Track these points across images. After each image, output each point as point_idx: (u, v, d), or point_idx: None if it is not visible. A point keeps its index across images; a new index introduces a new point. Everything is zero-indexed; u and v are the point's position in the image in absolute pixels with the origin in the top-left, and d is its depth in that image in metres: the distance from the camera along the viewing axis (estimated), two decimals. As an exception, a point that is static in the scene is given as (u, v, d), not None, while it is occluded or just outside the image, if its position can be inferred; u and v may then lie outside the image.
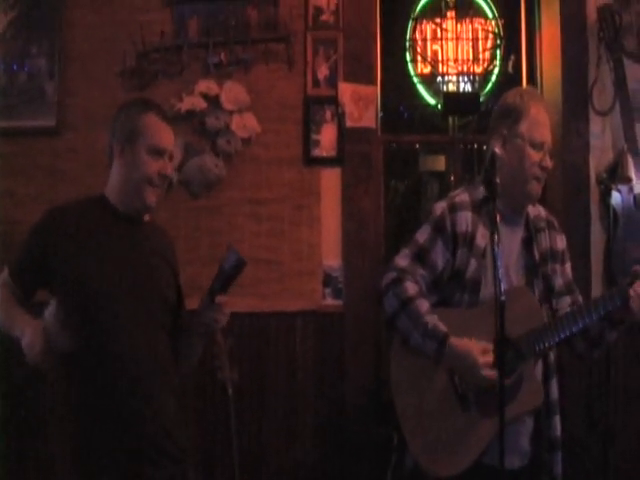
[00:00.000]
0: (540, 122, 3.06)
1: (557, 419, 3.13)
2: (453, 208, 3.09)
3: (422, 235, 3.10)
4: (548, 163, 3.05)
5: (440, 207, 3.12)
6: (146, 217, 2.98)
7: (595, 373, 4.25)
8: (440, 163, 5.02)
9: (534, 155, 3.02)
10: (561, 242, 3.23)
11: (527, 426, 3.07)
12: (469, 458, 2.94)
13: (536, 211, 3.20)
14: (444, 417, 2.99)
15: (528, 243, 3.13)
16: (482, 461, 2.91)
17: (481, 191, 3.08)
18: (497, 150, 2.87)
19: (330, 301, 4.35)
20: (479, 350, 2.91)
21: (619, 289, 2.95)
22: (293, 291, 4.35)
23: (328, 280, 4.36)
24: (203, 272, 4.06)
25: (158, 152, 2.82)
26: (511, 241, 3.09)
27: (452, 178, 4.70)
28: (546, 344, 2.95)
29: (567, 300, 3.15)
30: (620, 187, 4.26)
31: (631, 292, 2.89)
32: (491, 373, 2.85)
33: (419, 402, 3.03)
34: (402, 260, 3.09)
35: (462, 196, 3.14)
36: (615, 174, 4.32)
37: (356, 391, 4.29)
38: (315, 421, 4.33)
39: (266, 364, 4.33)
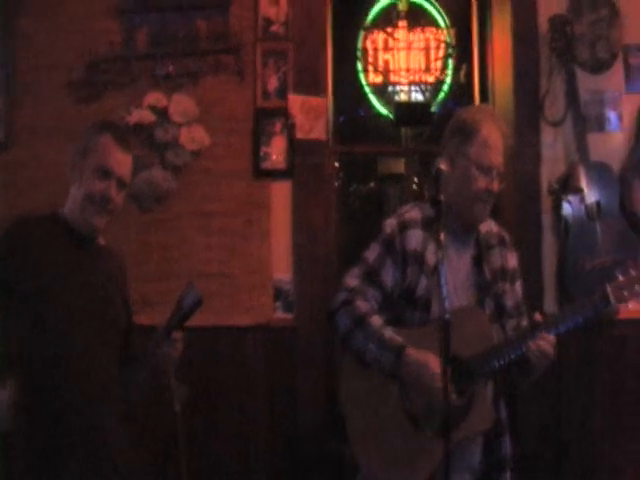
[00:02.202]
0: (490, 146, 3.14)
1: (506, 438, 3.27)
2: (403, 226, 3.20)
3: (372, 254, 3.21)
4: (494, 188, 3.13)
5: (390, 225, 3.23)
6: (100, 240, 3.14)
7: (547, 387, 4.40)
8: (399, 166, 5.30)
9: (480, 179, 3.12)
10: (512, 260, 3.35)
11: (478, 444, 3.19)
12: (421, 478, 3.05)
13: (487, 227, 3.32)
14: (395, 437, 3.10)
15: (478, 261, 3.25)
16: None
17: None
18: (443, 167, 2.87)
19: (281, 315, 4.57)
20: (436, 362, 2.97)
21: (522, 336, 3.09)
22: (243, 305, 4.56)
23: (279, 294, 4.57)
24: (153, 287, 4.43)
25: (105, 173, 2.95)
26: (460, 259, 3.22)
27: (414, 180, 4.99)
28: (496, 365, 3.06)
29: (512, 323, 3.27)
30: (571, 198, 4.48)
31: (531, 346, 3.03)
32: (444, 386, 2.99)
33: (370, 422, 3.15)
34: (352, 280, 3.20)
35: (412, 213, 3.25)
36: (567, 185, 4.53)
37: (308, 405, 4.50)
38: (267, 437, 4.52)
39: (216, 379, 4.52)
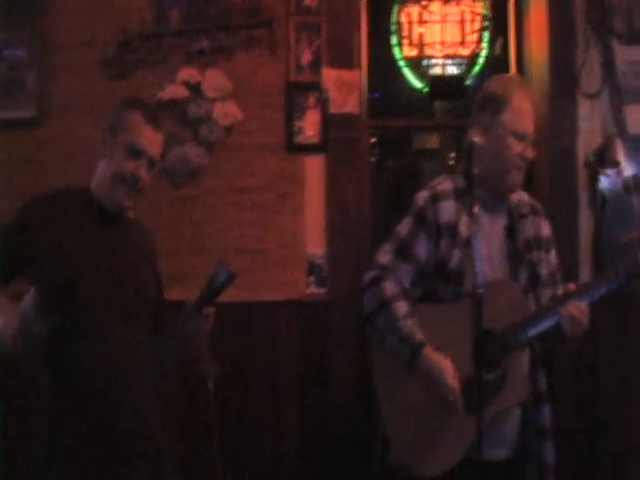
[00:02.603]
0: (523, 112, 3.21)
1: (546, 408, 3.29)
2: (435, 198, 3.25)
3: (404, 228, 3.27)
4: (530, 154, 3.21)
5: (422, 197, 3.28)
6: (129, 214, 3.16)
7: (583, 361, 4.46)
8: (434, 141, 5.33)
9: (516, 146, 3.18)
10: (545, 228, 3.40)
11: (514, 416, 3.22)
12: (455, 456, 3.07)
13: (518, 196, 3.37)
14: (428, 413, 3.14)
15: (511, 231, 3.29)
16: (468, 456, 3.02)
17: (463, 179, 3.28)
18: (476, 139, 3.06)
19: (314, 290, 4.63)
20: (452, 373, 3.05)
21: (551, 309, 3.15)
22: (277, 280, 4.62)
23: (312, 269, 4.63)
24: (185, 262, 4.50)
25: (136, 152, 2.98)
26: (494, 229, 3.26)
27: (450, 155, 5.03)
28: (529, 336, 3.11)
29: (547, 293, 3.31)
30: (608, 171, 4.47)
31: (563, 312, 3.08)
32: (458, 402, 3.04)
33: (402, 399, 3.19)
34: (383, 256, 3.26)
35: (444, 185, 3.30)
36: (603, 158, 4.52)
37: (341, 381, 4.55)
38: (299, 412, 4.59)
39: (249, 355, 4.60)
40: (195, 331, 3.09)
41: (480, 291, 2.68)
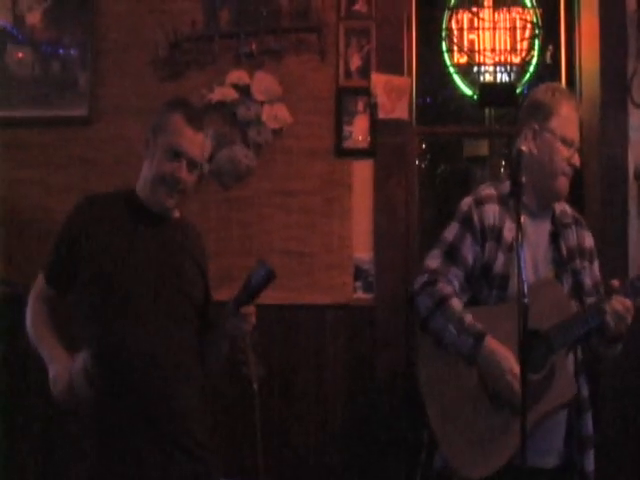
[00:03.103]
0: (571, 120, 3.35)
1: (588, 416, 3.36)
2: (480, 202, 3.36)
3: (450, 232, 3.36)
4: (577, 161, 3.34)
5: (466, 203, 3.39)
6: (175, 213, 3.24)
7: (630, 371, 4.46)
8: (485, 148, 5.36)
9: (564, 151, 3.30)
10: (589, 240, 3.49)
11: (561, 426, 3.29)
12: (502, 458, 3.12)
13: (561, 207, 3.46)
14: (475, 417, 3.20)
15: (555, 238, 3.38)
16: (513, 461, 3.06)
17: (507, 185, 3.37)
18: (524, 148, 3.09)
19: (361, 295, 4.70)
20: (515, 359, 3.07)
21: (595, 306, 3.21)
22: (323, 284, 4.72)
23: (359, 273, 4.70)
24: (234, 263, 4.58)
25: (175, 154, 3.04)
26: (538, 235, 3.35)
27: (501, 162, 5.08)
28: (575, 334, 3.18)
29: (591, 302, 3.33)
30: None
31: (607, 308, 3.14)
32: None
33: (449, 403, 3.24)
34: (433, 261, 3.34)
35: (488, 190, 3.42)
36: None
37: (387, 387, 4.60)
38: (344, 417, 4.66)
39: (295, 358, 4.68)
40: (234, 330, 3.09)
41: (526, 301, 2.67)
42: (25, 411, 4.66)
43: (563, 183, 3.34)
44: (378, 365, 4.66)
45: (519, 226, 2.83)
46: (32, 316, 3.14)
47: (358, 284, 4.71)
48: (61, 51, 4.82)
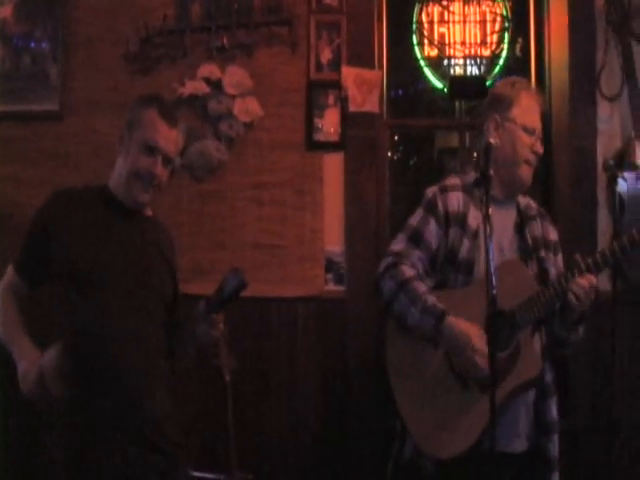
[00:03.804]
0: (532, 109, 3.48)
1: (553, 402, 3.47)
2: (444, 189, 3.51)
3: (415, 218, 3.50)
4: (539, 148, 3.45)
5: (431, 190, 3.53)
6: (148, 211, 3.31)
7: (600, 361, 4.52)
8: (456, 140, 5.38)
9: (527, 139, 3.42)
10: (554, 234, 3.61)
11: (528, 410, 3.40)
12: (470, 437, 3.24)
13: (525, 201, 3.60)
14: (443, 397, 3.32)
15: (521, 227, 3.51)
16: (482, 446, 3.18)
17: (472, 176, 3.51)
18: (492, 141, 3.07)
19: (332, 287, 4.82)
20: (477, 334, 3.20)
21: (559, 282, 3.29)
22: (295, 277, 4.83)
23: (330, 266, 4.82)
24: (206, 257, 4.72)
25: (151, 149, 3.10)
26: (504, 223, 3.46)
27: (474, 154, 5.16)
28: (539, 311, 3.27)
29: None
30: (627, 174, 4.51)
31: (571, 284, 3.25)
32: (483, 361, 3.14)
33: (416, 383, 3.38)
34: (396, 245, 3.48)
35: (453, 180, 3.57)
36: (622, 161, 4.61)
37: (358, 377, 4.70)
38: (317, 408, 4.78)
39: (267, 350, 4.79)
40: (203, 336, 3.19)
41: (494, 292, 2.77)
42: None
43: (527, 171, 3.46)
44: (349, 356, 4.76)
45: (487, 217, 2.88)
46: (2, 313, 3.22)
47: (329, 276, 4.83)
48: (32, 45, 4.90)
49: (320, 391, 4.80)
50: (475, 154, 3.67)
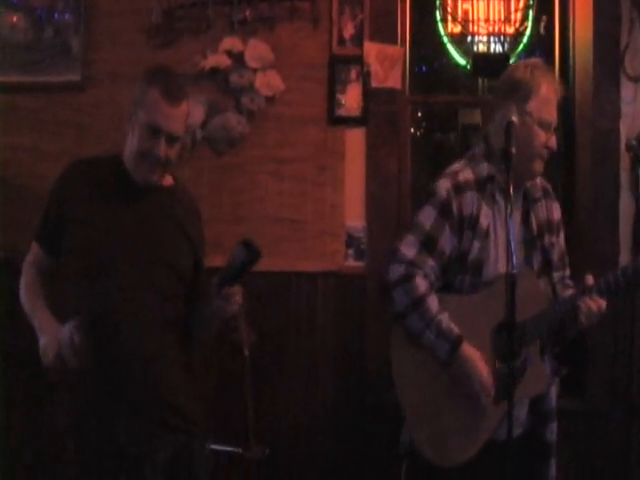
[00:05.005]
0: (549, 101, 3.41)
1: (553, 390, 3.56)
2: (458, 189, 3.40)
3: (427, 219, 3.40)
4: (554, 144, 3.42)
5: (444, 187, 3.42)
6: (167, 181, 3.36)
7: (619, 344, 4.66)
8: (479, 117, 5.56)
9: (542, 135, 3.38)
10: (556, 211, 3.64)
11: (525, 400, 3.45)
12: (477, 445, 3.33)
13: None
14: (448, 404, 3.38)
15: (526, 216, 3.52)
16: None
17: (484, 168, 3.45)
18: (514, 119, 3.14)
19: (352, 262, 4.94)
20: (486, 370, 3.30)
21: (570, 298, 3.36)
22: (315, 251, 4.96)
23: (350, 241, 4.94)
24: (226, 230, 4.83)
25: (153, 130, 3.12)
26: (512, 217, 3.26)
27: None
28: (547, 327, 3.36)
29: (558, 275, 3.58)
30: None
31: (581, 306, 3.30)
32: (489, 400, 3.28)
33: (422, 392, 3.42)
34: (409, 250, 3.37)
35: (465, 173, 3.45)
36: None
37: (377, 353, 4.77)
38: (335, 383, 4.92)
39: (286, 324, 4.94)
40: (219, 311, 3.19)
41: (514, 271, 2.85)
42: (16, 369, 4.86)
43: (539, 166, 3.44)
44: (368, 332, 4.88)
45: (509, 200, 2.99)
46: (25, 286, 3.31)
47: (350, 252, 4.95)
48: (55, 16, 5.03)
49: (338, 367, 4.92)
50: (484, 135, 3.62)
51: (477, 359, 3.31)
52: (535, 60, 3.74)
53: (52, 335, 3.04)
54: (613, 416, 4.73)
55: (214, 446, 4.12)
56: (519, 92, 3.41)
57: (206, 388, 4.61)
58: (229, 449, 4.27)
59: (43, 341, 3.07)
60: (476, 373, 3.29)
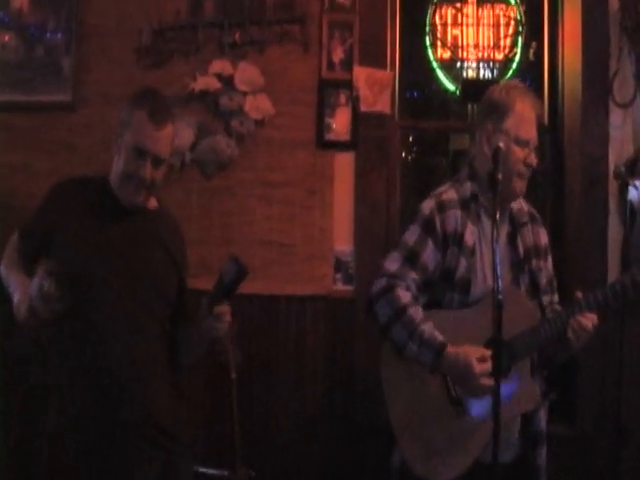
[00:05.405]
0: (526, 119, 3.45)
1: (541, 414, 3.57)
2: (442, 207, 3.48)
3: (411, 236, 3.48)
4: (533, 161, 3.46)
5: (428, 206, 3.50)
6: (151, 204, 3.39)
7: (608, 371, 4.66)
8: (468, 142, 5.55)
9: (519, 152, 3.42)
10: (544, 237, 3.68)
11: (516, 420, 3.48)
12: (467, 462, 3.34)
13: (518, 205, 3.62)
14: (439, 422, 3.40)
15: (513, 239, 3.56)
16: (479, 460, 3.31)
17: (468, 187, 3.52)
18: (501, 145, 3.21)
19: (341, 286, 4.97)
20: (477, 357, 3.26)
21: (563, 314, 3.38)
22: (304, 275, 4.98)
23: (339, 265, 4.98)
24: (214, 252, 4.87)
25: (139, 153, 3.16)
26: (498, 237, 3.29)
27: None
28: (537, 344, 3.38)
29: (546, 299, 3.59)
30: (638, 182, 4.68)
31: (573, 322, 3.34)
32: (488, 382, 3.19)
33: (411, 406, 3.45)
34: (392, 264, 3.46)
35: (449, 193, 3.53)
36: (634, 168, 4.73)
37: (365, 376, 4.80)
38: (323, 407, 4.93)
39: (275, 348, 4.95)
40: (210, 330, 3.21)
41: (500, 297, 2.83)
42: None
43: (519, 184, 3.48)
44: (357, 355, 4.91)
45: (495, 222, 2.99)
46: (5, 260, 3.36)
47: (338, 276, 4.99)
48: (47, 35, 5.08)
49: (326, 390, 4.94)
50: (468, 158, 3.70)
51: (464, 350, 3.30)
52: (512, 81, 3.92)
53: (24, 291, 3.05)
54: (602, 441, 4.75)
55: (201, 469, 4.13)
56: (496, 112, 3.48)
57: (194, 410, 4.67)
58: (215, 472, 4.26)
59: (16, 298, 3.09)
60: (468, 362, 3.27)
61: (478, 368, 3.26)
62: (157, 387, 3.27)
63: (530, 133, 3.48)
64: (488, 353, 3.24)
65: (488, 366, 3.21)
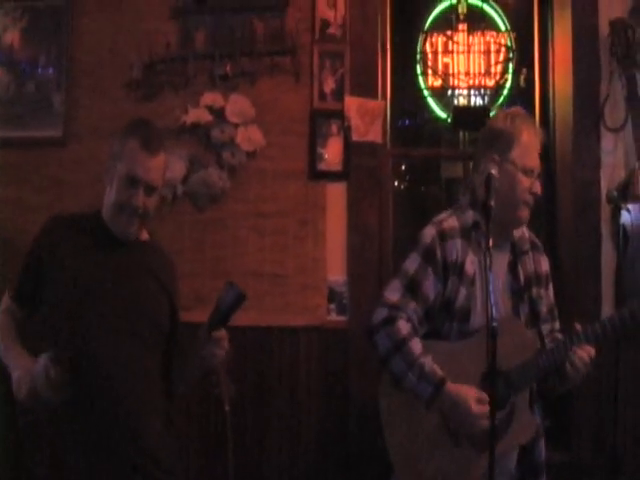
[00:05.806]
0: (531, 147, 3.51)
1: (541, 443, 3.59)
2: (443, 236, 3.50)
3: (412, 265, 3.50)
4: (538, 189, 3.50)
5: (429, 234, 3.52)
6: (143, 235, 3.45)
7: (604, 398, 4.68)
8: (461, 170, 5.61)
9: (525, 181, 3.46)
10: (545, 265, 3.70)
11: (515, 452, 3.51)
12: None
13: (519, 232, 3.64)
14: (436, 454, 3.41)
15: (513, 267, 3.58)
16: None
17: (470, 215, 3.55)
18: (494, 172, 3.24)
19: (334, 317, 5.00)
20: (474, 399, 3.30)
21: (561, 346, 3.41)
22: (297, 306, 5.01)
23: (333, 295, 5.01)
24: (207, 284, 4.91)
25: (131, 181, 3.21)
26: (498, 266, 3.49)
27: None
28: (535, 376, 3.42)
29: (546, 328, 3.60)
30: (630, 206, 4.70)
31: (572, 356, 3.37)
32: (485, 423, 3.19)
33: (409, 437, 3.47)
34: (392, 294, 3.48)
35: (450, 221, 3.55)
36: (626, 192, 4.76)
37: (360, 408, 4.84)
38: (318, 437, 4.95)
39: (268, 379, 4.97)
40: (209, 357, 3.23)
41: (495, 324, 2.87)
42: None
43: (524, 212, 3.51)
44: (351, 387, 4.91)
45: (487, 250, 3.03)
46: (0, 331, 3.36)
47: (332, 306, 5.01)
48: (39, 71, 5.16)
49: (321, 422, 4.95)
50: (470, 186, 3.71)
51: (463, 393, 3.33)
52: (515, 109, 3.83)
53: (26, 369, 3.08)
54: (598, 469, 4.74)
55: (194, 500, 4.17)
56: (501, 142, 3.51)
57: (187, 443, 4.70)
58: (208, 505, 4.29)
59: (16, 375, 3.11)
60: (466, 402, 3.30)
61: (476, 409, 3.29)
62: (152, 420, 3.30)
63: (535, 161, 3.53)
64: (485, 395, 3.28)
65: (486, 408, 3.23)
